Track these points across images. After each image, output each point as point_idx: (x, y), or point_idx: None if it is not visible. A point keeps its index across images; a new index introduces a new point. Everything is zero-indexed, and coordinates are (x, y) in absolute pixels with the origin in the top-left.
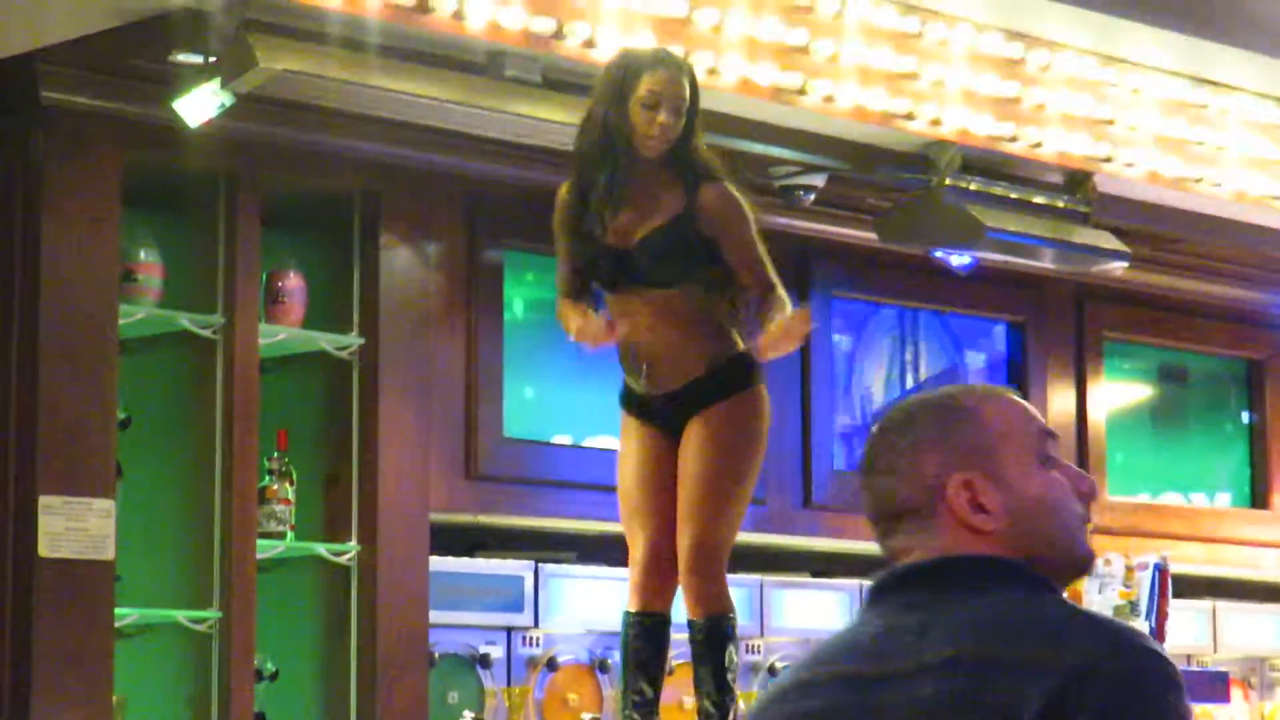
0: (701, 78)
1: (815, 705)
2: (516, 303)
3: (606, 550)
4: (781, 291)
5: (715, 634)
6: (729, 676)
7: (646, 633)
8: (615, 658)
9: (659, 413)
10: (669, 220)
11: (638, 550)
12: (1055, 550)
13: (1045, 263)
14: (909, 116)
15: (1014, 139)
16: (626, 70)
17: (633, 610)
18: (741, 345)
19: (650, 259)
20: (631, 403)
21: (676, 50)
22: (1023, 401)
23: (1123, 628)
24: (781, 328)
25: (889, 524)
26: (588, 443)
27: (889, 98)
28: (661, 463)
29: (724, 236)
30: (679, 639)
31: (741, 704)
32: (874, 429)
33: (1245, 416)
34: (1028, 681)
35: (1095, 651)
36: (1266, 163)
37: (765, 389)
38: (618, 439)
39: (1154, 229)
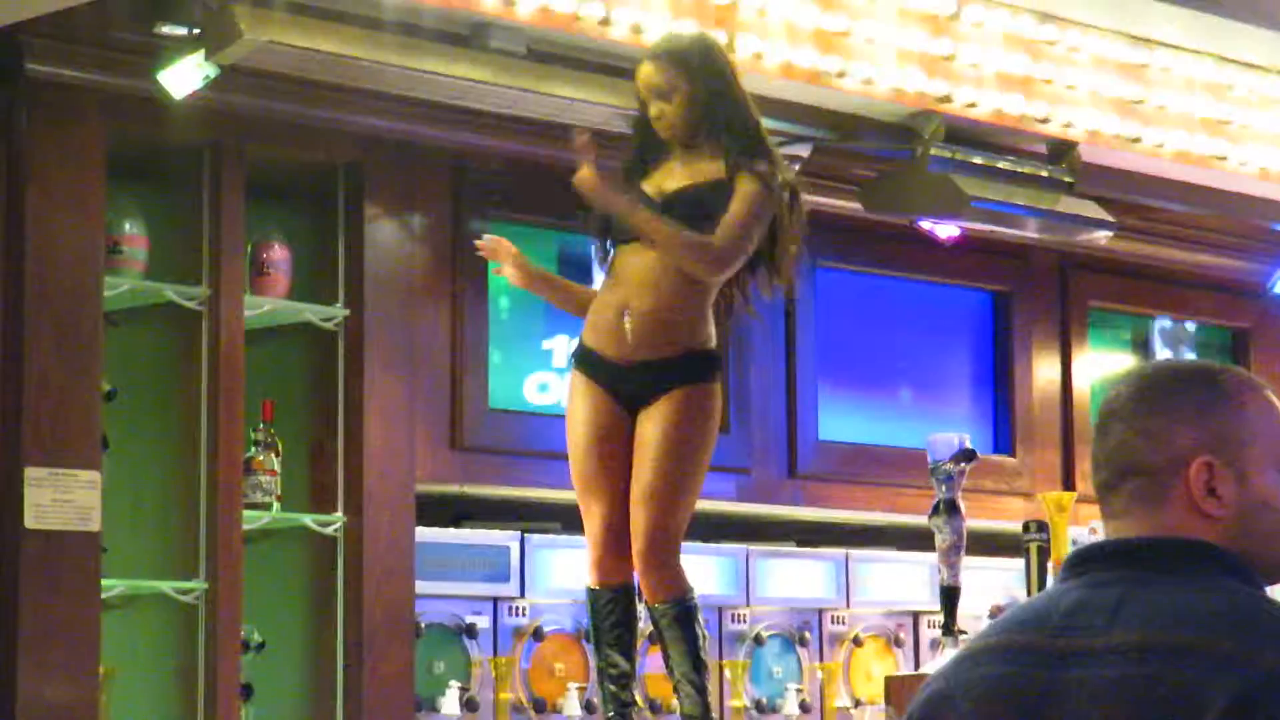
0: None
1: (997, 673)
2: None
3: None
4: (716, 252)
5: (680, 615)
6: (701, 653)
7: (613, 606)
8: None
9: (618, 380)
10: (703, 181)
11: (594, 526)
12: (1271, 549)
13: (1029, 232)
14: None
15: (998, 109)
16: (636, 65)
17: (595, 586)
18: (714, 343)
19: (671, 209)
20: (588, 362)
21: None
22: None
23: None
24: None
25: (1117, 477)
26: None
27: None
28: (614, 433)
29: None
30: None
31: (726, 672)
32: (1132, 381)
33: None
34: (1216, 674)
35: None
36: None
37: (721, 386)
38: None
39: (1137, 198)
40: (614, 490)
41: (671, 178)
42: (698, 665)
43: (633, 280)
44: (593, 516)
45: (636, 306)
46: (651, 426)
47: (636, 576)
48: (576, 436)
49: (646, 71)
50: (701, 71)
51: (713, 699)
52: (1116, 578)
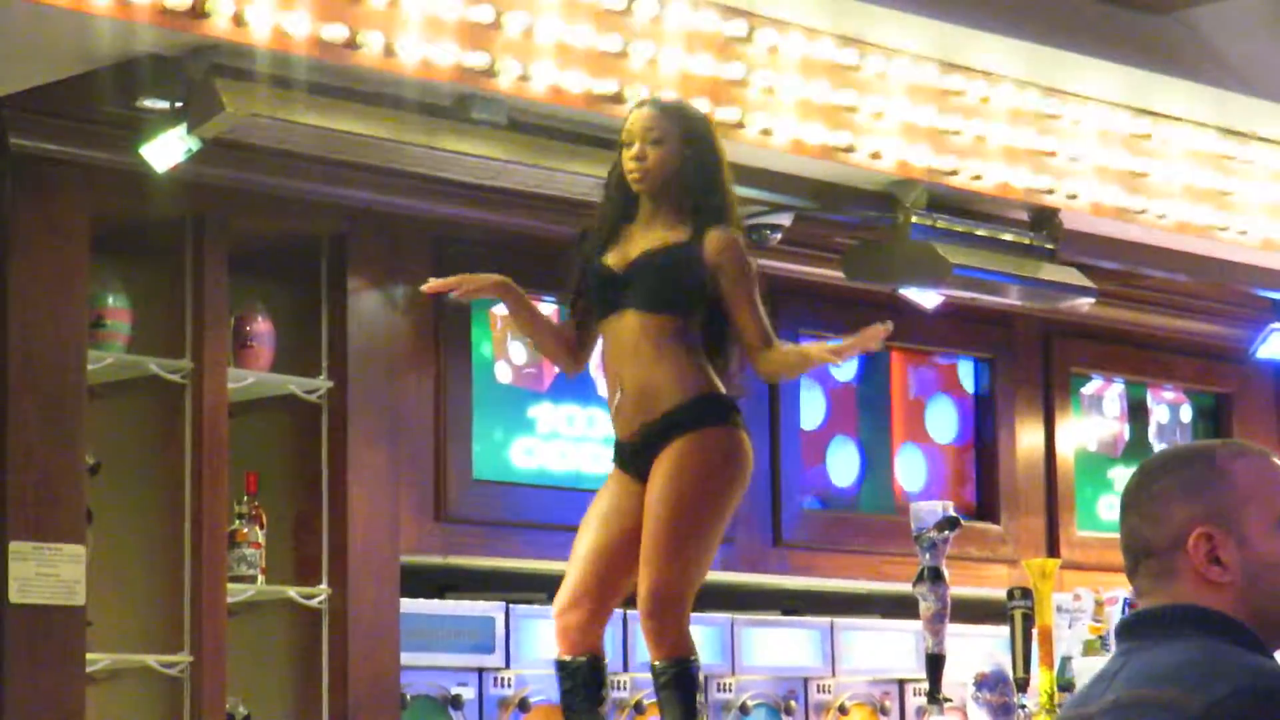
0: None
1: None
2: (484, 345)
3: None
4: (779, 343)
5: (678, 678)
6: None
7: (568, 679)
8: None
9: (630, 456)
10: (667, 245)
11: (561, 593)
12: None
13: (1012, 299)
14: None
15: (978, 177)
16: (624, 120)
17: (562, 659)
18: (722, 388)
19: (640, 277)
20: (615, 454)
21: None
22: (1277, 463)
23: (1257, 674)
24: (858, 336)
25: (1135, 562)
26: (557, 484)
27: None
28: (622, 509)
29: (721, 280)
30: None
31: None
32: (1136, 471)
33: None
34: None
35: (1215, 696)
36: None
37: (743, 433)
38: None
39: (1119, 265)
40: (596, 556)
41: (633, 243)
42: None
43: (619, 355)
44: (563, 584)
45: (626, 379)
46: (651, 486)
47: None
48: (586, 516)
49: (645, 114)
50: (694, 132)
51: None
52: (1124, 648)
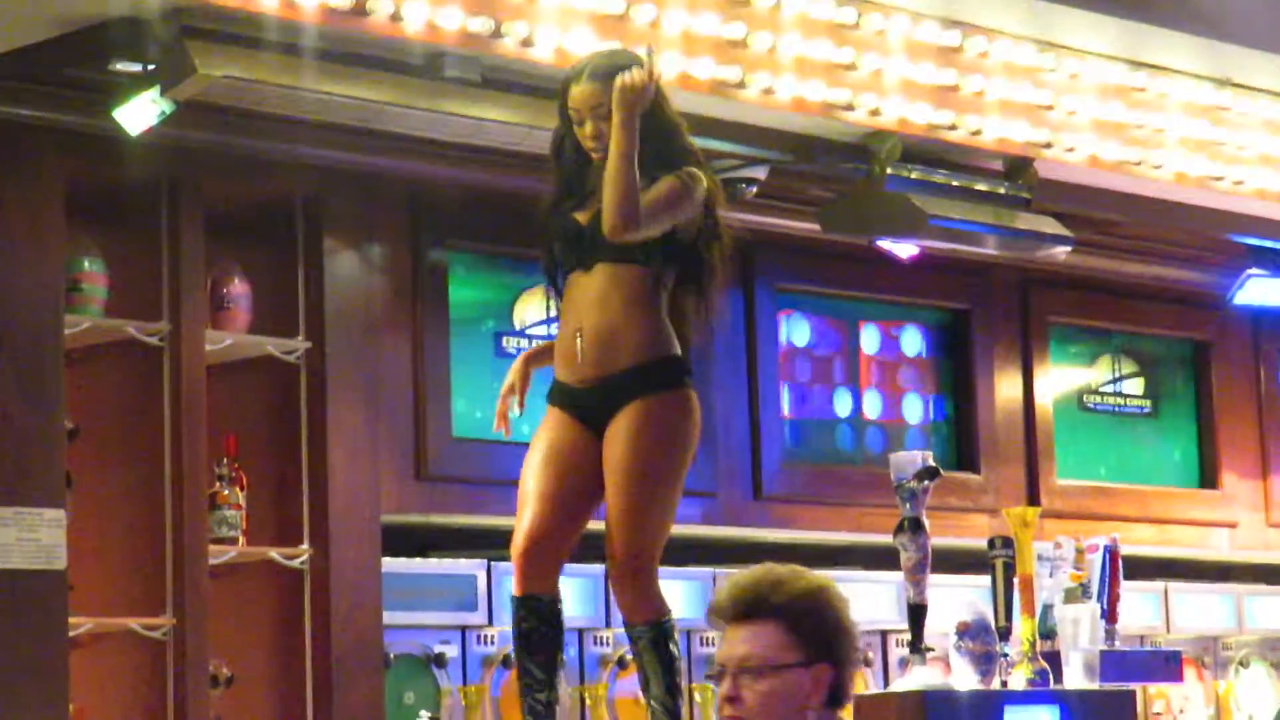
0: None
1: None
2: (462, 303)
3: None
4: (637, 213)
5: (656, 637)
6: (675, 677)
7: (531, 616)
8: (571, 653)
9: (585, 404)
10: None
11: (517, 536)
12: None
13: (988, 249)
14: (849, 107)
15: (953, 127)
16: (563, 84)
17: (516, 595)
18: (679, 350)
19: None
20: (557, 394)
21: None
22: None
23: None
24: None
25: None
26: None
27: (827, 88)
28: (570, 451)
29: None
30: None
31: (696, 696)
32: None
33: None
34: None
35: None
36: (1205, 144)
37: (694, 394)
38: None
39: (1096, 213)
40: (547, 498)
41: (600, 199)
42: (672, 689)
43: (583, 303)
44: (518, 525)
45: (587, 326)
46: (613, 448)
47: (614, 596)
48: (530, 457)
49: (586, 91)
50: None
51: None
52: None
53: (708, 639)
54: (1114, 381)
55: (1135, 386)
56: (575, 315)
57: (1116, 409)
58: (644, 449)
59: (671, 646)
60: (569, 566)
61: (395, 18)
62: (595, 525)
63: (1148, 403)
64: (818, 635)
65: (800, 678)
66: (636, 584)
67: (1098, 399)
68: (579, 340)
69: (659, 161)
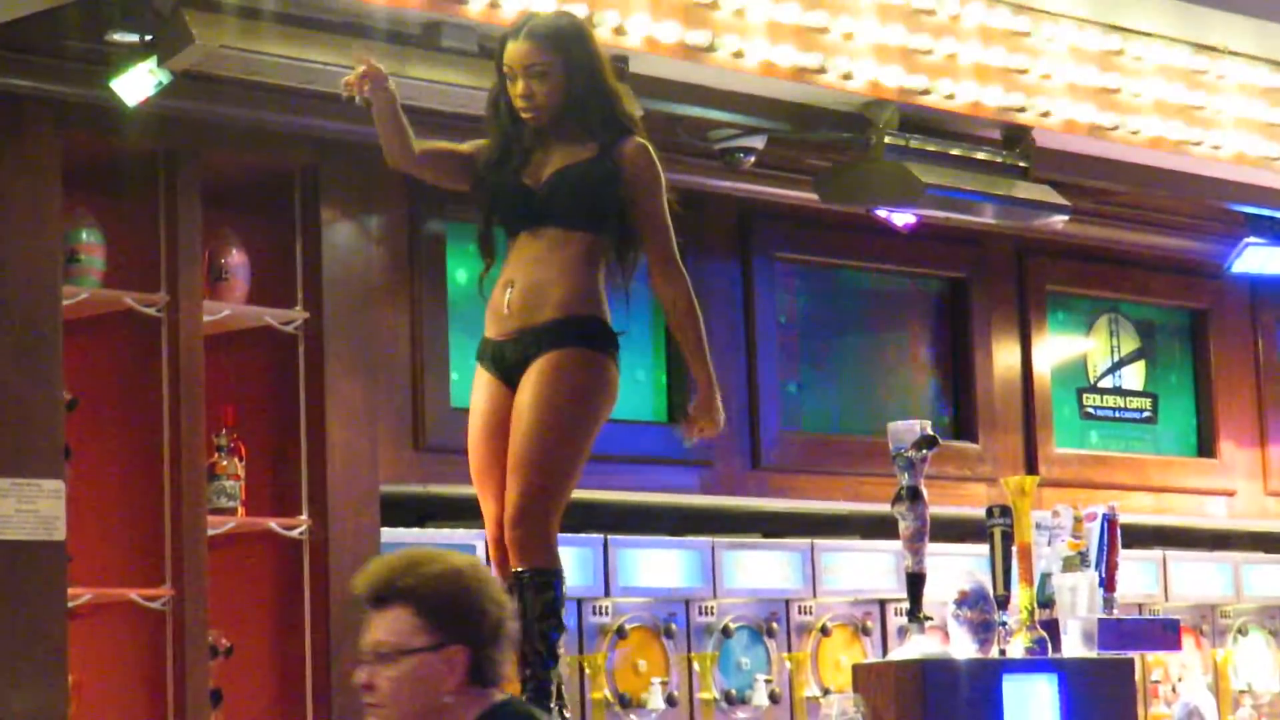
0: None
1: None
2: (460, 273)
3: None
4: (679, 266)
5: (532, 585)
6: (548, 628)
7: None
8: (571, 623)
9: (500, 356)
10: (580, 161)
11: (487, 521)
12: None
13: (986, 218)
14: (847, 76)
15: (950, 96)
16: (499, 42)
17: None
18: (608, 317)
19: (554, 193)
20: (483, 350)
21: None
22: None
23: None
24: (700, 415)
25: None
26: None
27: (826, 58)
28: (504, 414)
29: (636, 193)
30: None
31: (695, 665)
32: None
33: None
34: None
35: None
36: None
37: (614, 365)
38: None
39: (1093, 182)
40: (499, 484)
41: (546, 163)
42: (535, 636)
43: (521, 262)
44: (485, 509)
45: (520, 280)
46: (521, 394)
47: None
48: (471, 430)
49: (523, 49)
50: (575, 59)
51: (570, 693)
52: None
53: (707, 608)
54: (1112, 361)
55: (1134, 373)
56: (511, 272)
57: (1117, 412)
58: (549, 398)
59: (552, 601)
60: (567, 537)
61: None
62: (589, 494)
63: (1146, 404)
64: (450, 617)
65: (430, 661)
66: (527, 529)
67: (1096, 400)
68: (509, 292)
69: (611, 119)
